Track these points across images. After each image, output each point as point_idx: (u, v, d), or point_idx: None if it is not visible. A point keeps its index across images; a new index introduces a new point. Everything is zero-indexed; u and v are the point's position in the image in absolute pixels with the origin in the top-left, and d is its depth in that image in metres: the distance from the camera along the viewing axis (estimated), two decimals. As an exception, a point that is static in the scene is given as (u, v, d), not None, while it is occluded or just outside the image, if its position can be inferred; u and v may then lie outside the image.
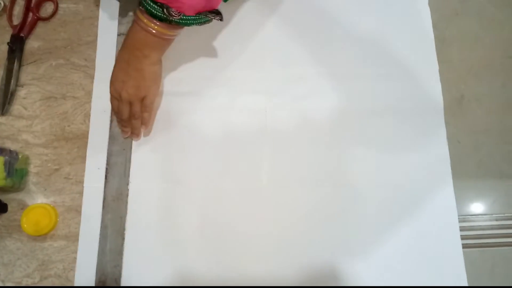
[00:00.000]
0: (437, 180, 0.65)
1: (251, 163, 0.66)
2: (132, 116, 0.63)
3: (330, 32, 0.72)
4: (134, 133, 0.65)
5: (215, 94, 0.69)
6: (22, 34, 0.70)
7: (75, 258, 0.62)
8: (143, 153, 0.66)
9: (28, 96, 0.69)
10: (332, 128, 0.67)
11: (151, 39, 0.58)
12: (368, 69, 0.70)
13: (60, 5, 0.72)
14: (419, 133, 0.67)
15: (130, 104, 0.62)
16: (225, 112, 0.68)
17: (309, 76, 0.69)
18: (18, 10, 0.72)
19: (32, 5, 0.71)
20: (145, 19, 0.56)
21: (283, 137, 0.67)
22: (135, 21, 0.58)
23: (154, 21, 0.56)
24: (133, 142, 0.67)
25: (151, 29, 0.57)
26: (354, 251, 0.63)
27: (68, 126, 0.68)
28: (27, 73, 0.70)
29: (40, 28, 0.71)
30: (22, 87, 0.69)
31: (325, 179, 0.65)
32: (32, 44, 0.71)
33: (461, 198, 1.39)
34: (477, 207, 1.39)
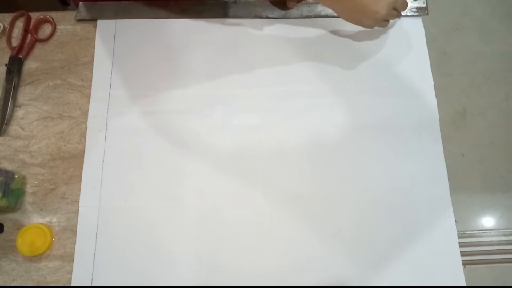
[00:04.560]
0: (435, 196, 0.65)
1: (247, 180, 0.65)
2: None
3: (325, 49, 0.72)
4: None
5: (210, 113, 0.69)
6: (20, 56, 0.71)
7: (70, 278, 0.62)
8: (139, 171, 0.66)
9: (25, 116, 0.69)
10: (328, 145, 0.67)
11: None
12: (363, 85, 0.70)
13: (58, 27, 0.73)
14: (416, 148, 0.67)
15: None
16: (220, 130, 0.68)
17: (304, 93, 0.69)
18: (17, 32, 0.73)
19: (31, 27, 0.72)
20: None
21: (278, 154, 0.66)
22: None
23: None
24: (125, 161, 0.67)
25: None
26: (352, 269, 0.62)
27: (65, 145, 0.68)
28: (25, 94, 0.70)
29: (38, 49, 0.72)
30: (20, 107, 0.70)
31: (321, 196, 0.64)
32: (30, 65, 0.72)
33: (467, 212, 1.37)
34: (484, 222, 1.37)
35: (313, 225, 0.63)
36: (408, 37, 0.73)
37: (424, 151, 0.67)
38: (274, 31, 0.73)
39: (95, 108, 0.69)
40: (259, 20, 0.74)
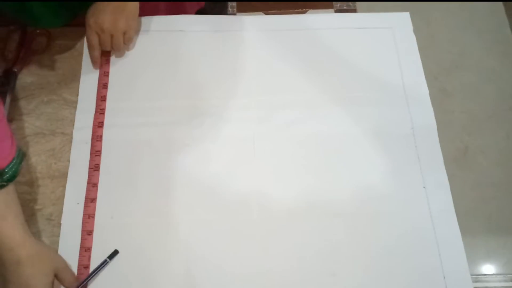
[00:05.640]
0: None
1: (239, 194, 0.62)
2: (115, 48, 0.68)
3: (317, 60, 0.72)
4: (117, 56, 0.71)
5: (199, 123, 0.66)
6: (15, 69, 0.69)
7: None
8: (123, 186, 0.62)
9: (16, 132, 0.66)
10: (321, 155, 0.65)
11: None
12: (356, 93, 0.69)
13: (57, 41, 0.72)
14: (413, 159, 0.64)
15: (112, 36, 0.66)
16: (210, 141, 0.65)
17: (296, 103, 0.68)
18: (12, 44, 0.71)
19: (26, 40, 0.71)
20: None
21: (272, 166, 0.64)
22: None
23: None
24: (112, 175, 0.63)
25: None
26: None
27: (55, 163, 0.64)
28: (17, 108, 0.67)
29: (34, 63, 0.70)
30: (11, 122, 0.66)
31: (317, 209, 0.61)
32: (25, 79, 0.69)
33: (471, 256, 1.31)
34: (489, 267, 1.31)
35: (309, 240, 0.60)
36: (400, 46, 0.73)
37: (421, 159, 0.64)
38: (264, 41, 0.73)
39: (82, 119, 0.66)
40: (250, 31, 0.74)
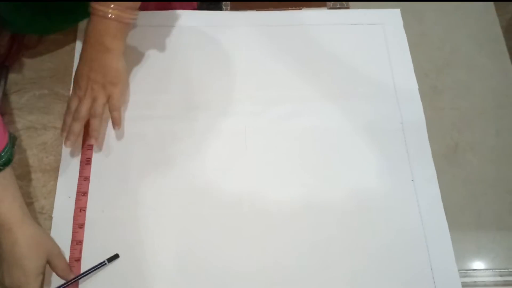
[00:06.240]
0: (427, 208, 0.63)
1: (230, 189, 0.62)
2: (92, 114, 0.60)
3: (309, 55, 0.72)
4: (93, 136, 0.62)
5: (193, 118, 0.67)
6: (6, 63, 0.69)
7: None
8: (115, 180, 0.63)
9: (8, 126, 0.65)
10: (314, 151, 0.65)
11: (111, 26, 0.57)
12: (347, 88, 0.70)
13: (49, 36, 0.72)
14: (403, 154, 0.66)
15: (93, 100, 0.60)
16: (202, 136, 0.66)
17: (288, 98, 0.69)
18: (4, 39, 0.71)
19: (18, 34, 0.71)
20: (100, 6, 0.56)
21: (263, 161, 0.64)
22: (91, 14, 0.58)
23: (108, 3, 0.56)
24: (104, 168, 0.63)
25: (109, 15, 0.56)
26: (342, 283, 0.58)
27: (47, 157, 0.64)
28: (9, 103, 0.68)
29: (27, 57, 0.70)
30: (3, 116, 0.67)
31: (308, 204, 0.62)
32: (17, 73, 0.69)
33: (461, 251, 1.32)
34: (479, 261, 1.32)
35: (302, 235, 0.60)
36: (390, 41, 0.74)
37: (411, 154, 0.66)
38: (258, 36, 0.74)
39: None
40: (243, 26, 0.74)
